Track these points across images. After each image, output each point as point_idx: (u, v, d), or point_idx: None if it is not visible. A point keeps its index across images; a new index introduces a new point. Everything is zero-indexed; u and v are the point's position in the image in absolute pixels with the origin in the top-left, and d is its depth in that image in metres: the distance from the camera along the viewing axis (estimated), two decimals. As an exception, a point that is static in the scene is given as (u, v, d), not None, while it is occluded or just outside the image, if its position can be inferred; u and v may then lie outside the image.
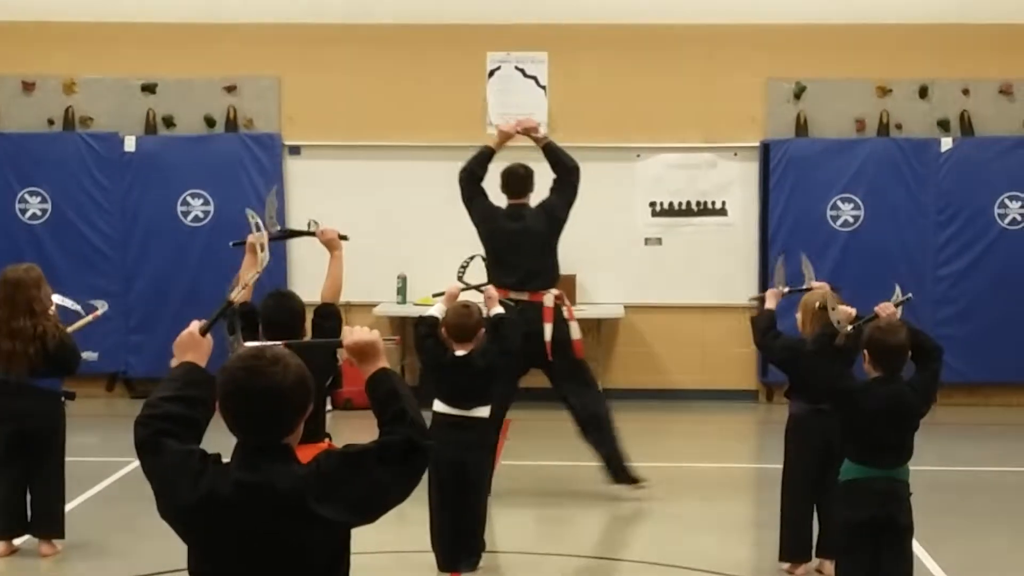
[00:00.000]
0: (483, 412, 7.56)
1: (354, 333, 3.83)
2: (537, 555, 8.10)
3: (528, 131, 9.83)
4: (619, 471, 9.40)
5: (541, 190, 9.94)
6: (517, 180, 9.75)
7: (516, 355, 8.94)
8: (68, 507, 8.06)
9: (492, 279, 9.26)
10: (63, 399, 7.83)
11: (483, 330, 7.55)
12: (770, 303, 7.45)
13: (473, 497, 7.51)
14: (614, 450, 9.42)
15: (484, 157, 9.77)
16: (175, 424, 3.65)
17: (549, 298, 9.44)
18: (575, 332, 9.48)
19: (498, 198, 9.93)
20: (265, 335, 6.40)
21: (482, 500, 7.62)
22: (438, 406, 7.55)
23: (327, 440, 6.31)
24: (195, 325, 3.87)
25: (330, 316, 6.93)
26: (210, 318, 3.98)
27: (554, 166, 9.77)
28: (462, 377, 7.48)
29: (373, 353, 3.81)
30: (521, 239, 9.51)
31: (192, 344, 3.84)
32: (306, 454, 5.88)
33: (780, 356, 7.43)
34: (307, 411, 3.61)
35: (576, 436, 9.61)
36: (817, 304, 7.17)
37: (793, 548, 7.60)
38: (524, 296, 9.38)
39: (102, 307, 8.17)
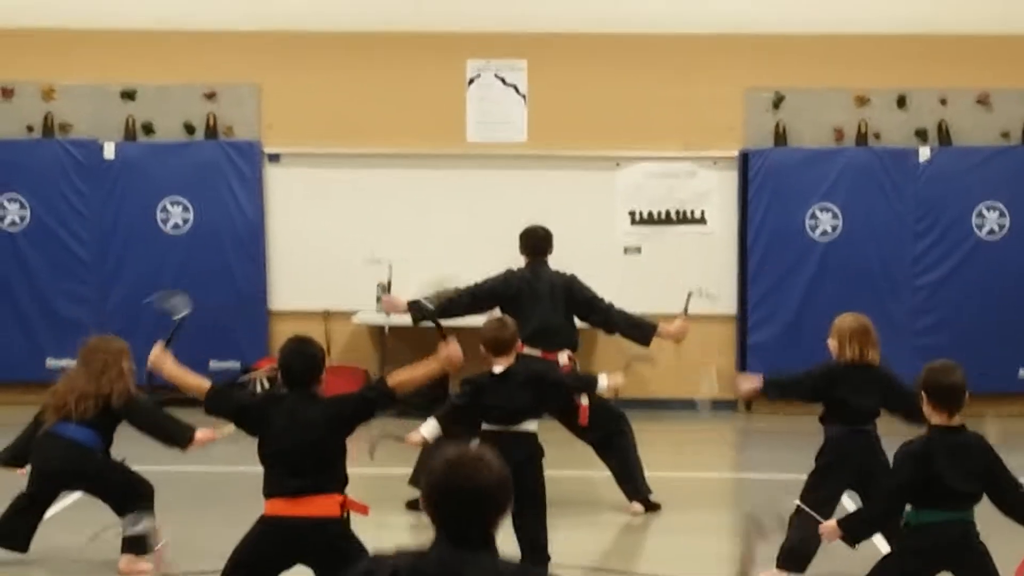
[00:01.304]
0: (532, 426, 7.44)
1: None
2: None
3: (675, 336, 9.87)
4: (635, 490, 9.45)
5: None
6: (535, 239, 9.74)
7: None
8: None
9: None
10: (92, 449, 7.84)
11: (521, 342, 7.43)
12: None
13: (533, 511, 7.38)
14: (629, 468, 9.46)
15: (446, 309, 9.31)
16: None
17: (563, 357, 9.35)
18: (583, 398, 9.20)
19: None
20: (283, 381, 6.27)
21: (543, 513, 7.51)
22: (486, 425, 7.44)
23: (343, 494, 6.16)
24: None
25: (383, 396, 6.27)
26: None
27: (625, 329, 9.80)
28: (506, 395, 7.34)
29: None
30: (536, 293, 9.43)
31: None
32: (328, 504, 5.82)
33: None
34: (509, 508, 3.68)
35: (555, 445, 9.63)
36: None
37: (799, 559, 7.51)
38: (537, 353, 9.26)
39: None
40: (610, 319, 9.73)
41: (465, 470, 3.63)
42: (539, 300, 9.41)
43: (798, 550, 7.52)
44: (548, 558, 7.48)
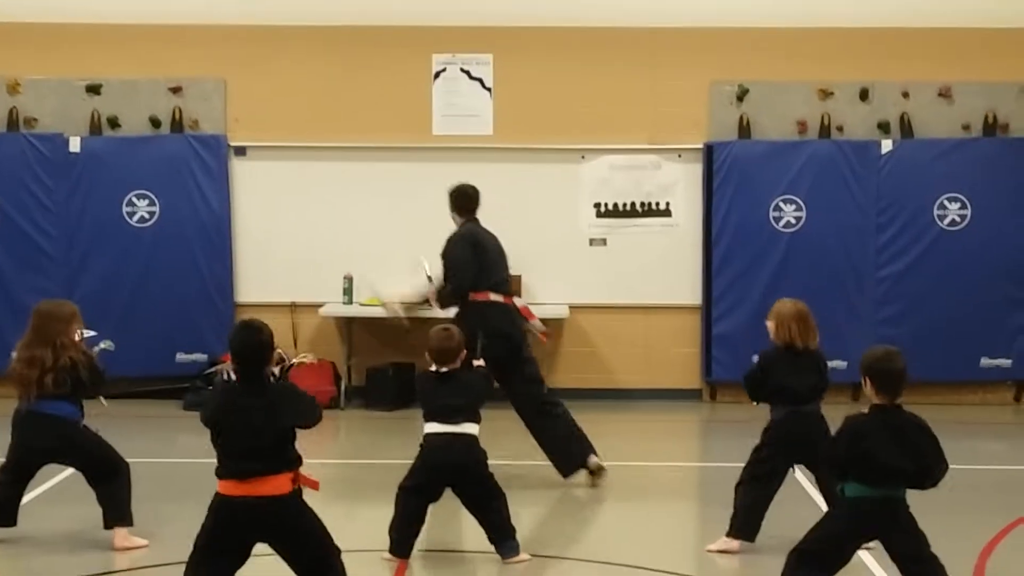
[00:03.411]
0: (472, 429, 7.61)
1: None
2: (476, 553, 8.15)
3: None
4: (568, 463, 9.70)
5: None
6: (468, 199, 10.03)
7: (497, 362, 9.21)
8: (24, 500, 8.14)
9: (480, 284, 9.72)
10: (76, 421, 7.92)
11: (466, 351, 7.64)
12: None
13: (486, 501, 7.67)
14: (561, 441, 9.72)
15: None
16: None
17: (519, 301, 10.16)
18: (540, 325, 10.21)
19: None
20: (233, 366, 6.17)
21: (499, 495, 7.72)
22: (429, 427, 7.61)
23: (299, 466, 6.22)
24: None
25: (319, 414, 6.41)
26: None
27: None
28: (448, 393, 7.56)
29: None
30: (493, 247, 9.95)
31: None
32: (279, 483, 5.90)
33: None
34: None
35: (519, 435, 9.78)
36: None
37: (749, 527, 7.81)
38: (500, 299, 9.79)
39: (107, 345, 8.34)
40: None
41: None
42: (493, 253, 9.90)
43: (747, 518, 7.80)
44: (513, 530, 7.76)
